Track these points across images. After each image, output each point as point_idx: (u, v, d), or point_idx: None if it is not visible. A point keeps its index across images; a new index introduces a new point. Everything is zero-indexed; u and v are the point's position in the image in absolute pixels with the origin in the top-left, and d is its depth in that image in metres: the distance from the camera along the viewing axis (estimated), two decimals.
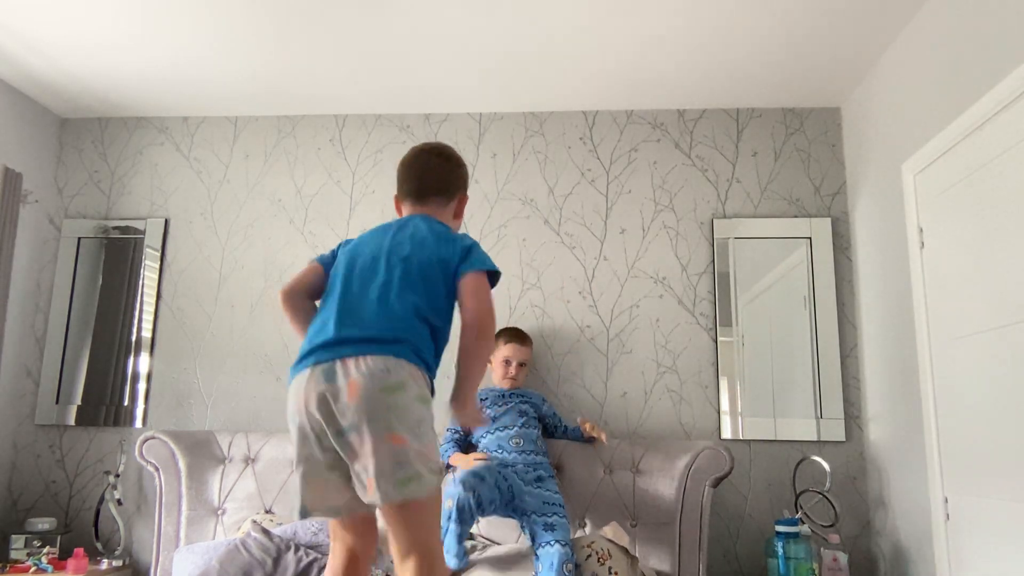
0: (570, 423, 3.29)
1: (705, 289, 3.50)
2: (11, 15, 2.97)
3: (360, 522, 1.82)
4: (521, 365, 3.15)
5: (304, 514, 1.73)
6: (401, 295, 1.77)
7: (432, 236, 1.87)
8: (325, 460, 1.70)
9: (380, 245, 1.88)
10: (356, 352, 1.67)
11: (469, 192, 3.63)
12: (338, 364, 1.66)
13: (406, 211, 2.02)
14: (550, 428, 3.16)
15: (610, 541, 2.69)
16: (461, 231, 2.19)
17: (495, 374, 3.17)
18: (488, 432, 2.98)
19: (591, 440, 3.13)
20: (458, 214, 2.06)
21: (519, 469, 2.81)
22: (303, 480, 1.72)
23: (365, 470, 1.62)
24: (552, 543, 2.53)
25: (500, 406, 3.05)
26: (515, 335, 3.16)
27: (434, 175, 1.99)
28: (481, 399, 3.07)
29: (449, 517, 2.44)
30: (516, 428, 2.96)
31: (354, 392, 1.62)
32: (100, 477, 3.50)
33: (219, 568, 2.72)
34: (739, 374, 3.40)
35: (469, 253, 1.86)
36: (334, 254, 1.99)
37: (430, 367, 1.79)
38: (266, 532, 2.84)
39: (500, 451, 2.91)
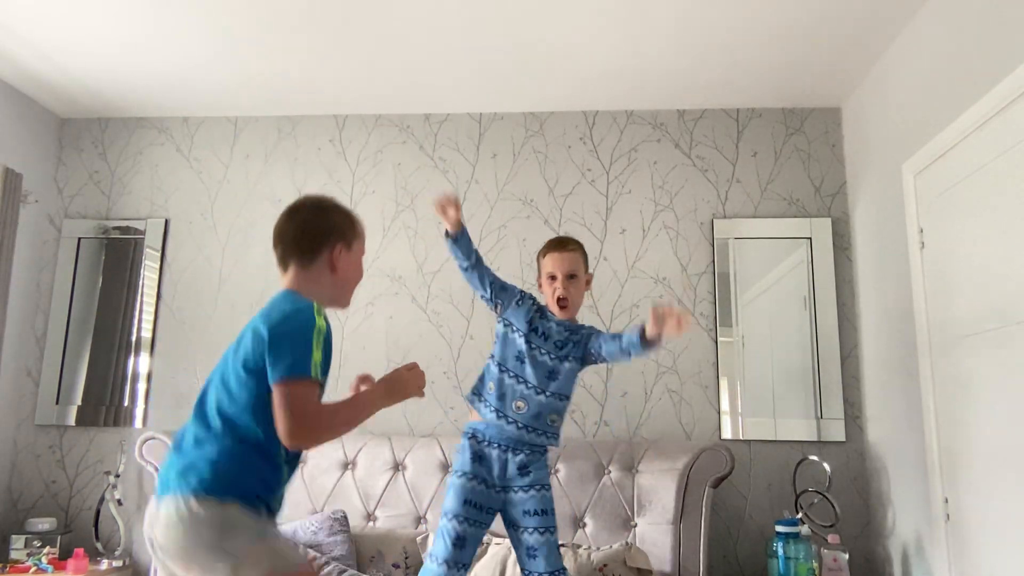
0: (629, 330, 2.29)
1: (705, 289, 3.50)
2: (11, 15, 2.97)
3: None
4: (571, 278, 2.40)
5: None
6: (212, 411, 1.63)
7: (250, 328, 1.69)
8: None
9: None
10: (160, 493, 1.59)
11: (469, 192, 3.65)
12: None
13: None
14: (601, 355, 2.37)
15: (627, 566, 2.66)
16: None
17: (545, 297, 2.48)
18: (508, 370, 2.34)
19: (652, 342, 2.21)
20: (335, 268, 1.78)
21: (497, 453, 2.30)
22: None
23: None
24: None
25: (534, 346, 2.35)
26: (555, 243, 2.48)
27: (284, 239, 1.78)
28: (531, 319, 2.38)
29: None
30: (530, 389, 2.31)
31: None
32: (100, 477, 3.50)
33: None
34: (739, 374, 3.39)
35: (277, 347, 1.59)
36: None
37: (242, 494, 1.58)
38: None
39: (486, 406, 2.33)
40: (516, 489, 2.28)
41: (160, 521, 1.55)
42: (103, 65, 3.35)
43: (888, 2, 2.78)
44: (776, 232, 3.50)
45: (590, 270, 2.53)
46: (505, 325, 2.41)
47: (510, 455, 2.30)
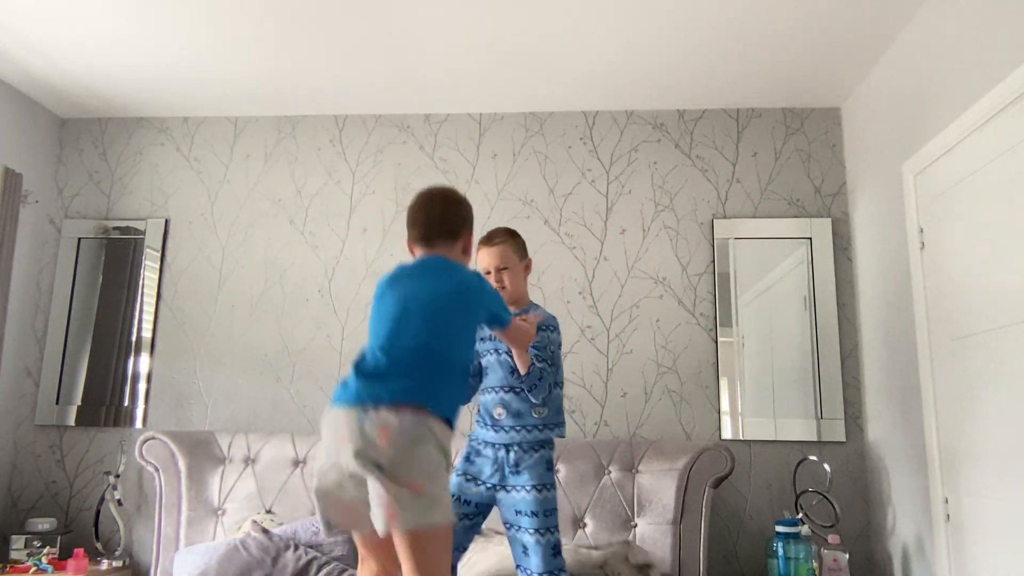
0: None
1: (705, 289, 3.50)
2: (11, 15, 2.97)
3: (383, 544, 1.93)
4: (503, 269, 2.42)
5: (328, 530, 1.89)
6: (416, 336, 1.91)
7: (442, 271, 2.02)
8: (351, 486, 1.84)
9: (403, 291, 1.99)
10: (388, 400, 1.82)
11: (469, 192, 3.65)
12: (371, 410, 1.81)
13: (418, 254, 2.11)
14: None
15: (629, 563, 2.66)
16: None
17: None
18: (483, 390, 2.43)
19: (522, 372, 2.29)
20: (466, 251, 2.13)
21: (492, 451, 2.33)
22: (324, 500, 1.87)
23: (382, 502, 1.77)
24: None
25: (489, 350, 2.40)
26: (483, 239, 2.49)
27: (438, 220, 2.07)
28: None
29: None
30: (498, 392, 2.35)
31: (385, 438, 1.79)
32: (100, 477, 3.50)
33: (218, 568, 2.72)
34: (739, 374, 3.39)
35: (490, 299, 2.03)
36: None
37: (448, 411, 1.91)
38: (265, 532, 2.84)
39: (480, 424, 2.39)
40: (509, 488, 2.28)
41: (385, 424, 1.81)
42: (103, 65, 3.35)
43: (888, 3, 2.78)
44: (776, 232, 3.50)
45: (529, 256, 2.55)
46: None
47: (503, 453, 2.32)
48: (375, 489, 1.77)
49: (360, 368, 1.89)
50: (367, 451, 1.77)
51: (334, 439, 1.83)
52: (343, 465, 1.81)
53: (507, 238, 2.46)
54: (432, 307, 1.93)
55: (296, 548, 2.79)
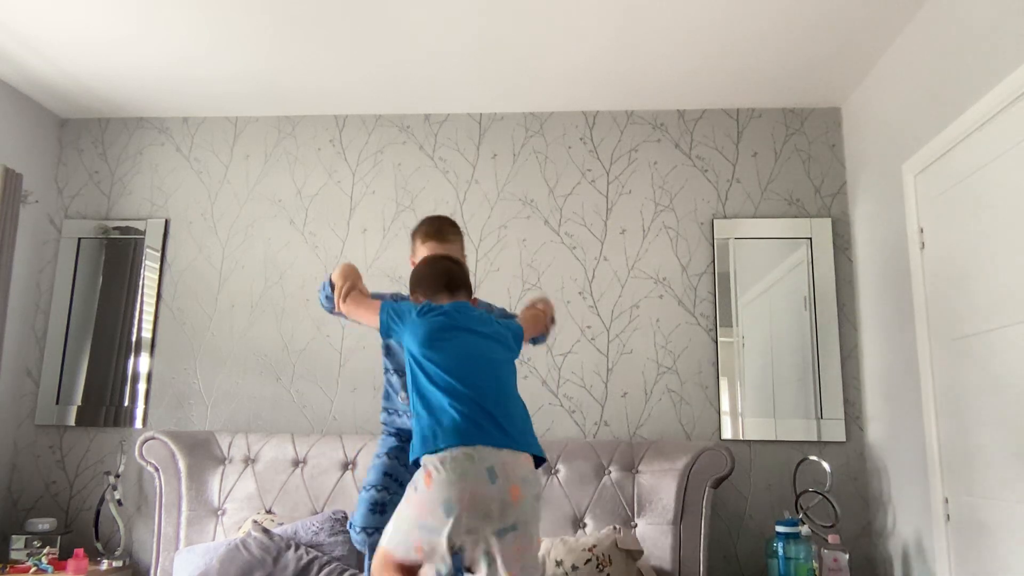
0: None
1: (705, 289, 3.50)
2: (11, 15, 2.97)
3: None
4: None
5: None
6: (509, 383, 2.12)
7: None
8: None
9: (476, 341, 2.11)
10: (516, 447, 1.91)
11: (469, 193, 3.65)
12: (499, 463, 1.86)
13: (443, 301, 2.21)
14: None
15: (618, 548, 2.68)
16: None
17: None
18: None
19: None
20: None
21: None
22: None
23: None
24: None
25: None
26: (435, 232, 2.44)
27: (462, 279, 2.27)
28: None
29: None
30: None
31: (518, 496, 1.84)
32: (100, 478, 3.50)
33: (219, 568, 2.72)
34: (739, 374, 3.39)
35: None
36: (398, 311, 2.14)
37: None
38: (266, 531, 2.84)
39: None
40: None
41: (528, 473, 1.88)
42: (103, 65, 3.35)
43: (888, 3, 2.78)
44: (776, 232, 3.50)
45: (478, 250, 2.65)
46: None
47: None
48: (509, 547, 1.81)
49: (478, 407, 1.91)
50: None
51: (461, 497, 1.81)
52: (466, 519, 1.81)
53: (459, 234, 2.45)
54: (504, 358, 2.10)
55: (297, 548, 2.79)
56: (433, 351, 1.98)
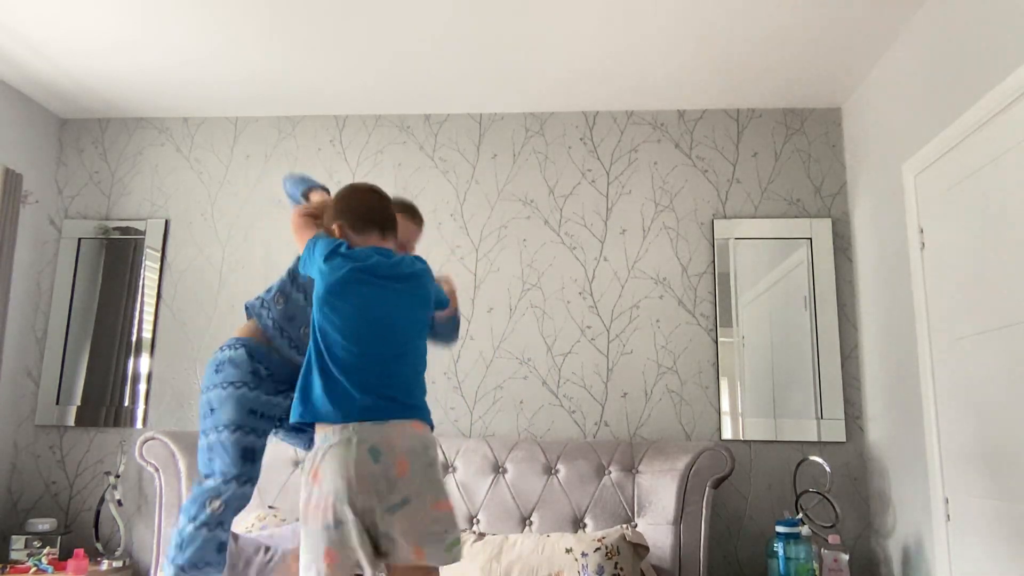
0: None
1: (705, 289, 3.50)
2: (12, 16, 2.97)
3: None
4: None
5: None
6: (404, 344, 1.98)
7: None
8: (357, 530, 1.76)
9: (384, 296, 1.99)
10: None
11: (469, 193, 3.65)
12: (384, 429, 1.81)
13: (368, 242, 2.05)
14: None
15: (626, 541, 2.72)
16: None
17: None
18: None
19: None
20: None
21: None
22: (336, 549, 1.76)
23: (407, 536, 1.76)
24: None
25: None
26: (404, 209, 2.39)
27: (392, 212, 2.10)
28: None
29: (214, 523, 2.02)
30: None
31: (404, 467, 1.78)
32: (100, 478, 3.50)
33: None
34: (739, 375, 3.39)
35: (438, 290, 2.16)
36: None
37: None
38: (235, 537, 2.78)
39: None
40: None
41: (416, 443, 1.81)
42: (103, 65, 3.35)
43: (888, 3, 2.78)
44: (776, 232, 3.50)
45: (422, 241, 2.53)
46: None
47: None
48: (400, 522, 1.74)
49: (353, 377, 1.82)
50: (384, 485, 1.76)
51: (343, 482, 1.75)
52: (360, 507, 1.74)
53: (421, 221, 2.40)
54: (412, 316, 1.95)
55: (267, 551, 2.76)
56: (331, 309, 1.87)
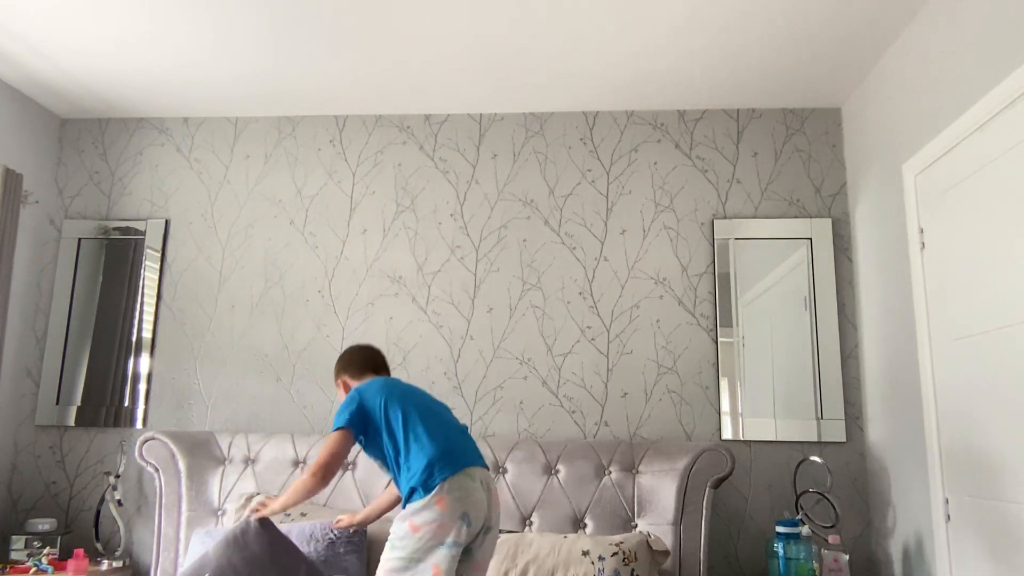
0: None
1: (705, 290, 3.50)
2: (12, 17, 2.97)
3: None
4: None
5: None
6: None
7: None
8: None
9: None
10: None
11: (469, 193, 3.66)
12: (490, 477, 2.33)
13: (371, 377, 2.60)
14: None
15: (649, 547, 2.72)
16: None
17: None
18: None
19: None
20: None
21: None
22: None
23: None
24: None
25: None
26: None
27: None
28: None
29: None
30: None
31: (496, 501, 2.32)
32: (100, 478, 3.50)
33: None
34: (740, 375, 3.39)
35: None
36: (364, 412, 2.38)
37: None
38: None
39: None
40: None
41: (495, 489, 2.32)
42: (103, 65, 3.35)
43: (888, 2, 2.78)
44: (776, 232, 3.50)
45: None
46: None
47: None
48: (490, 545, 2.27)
49: (455, 439, 2.31)
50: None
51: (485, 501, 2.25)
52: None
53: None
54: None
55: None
56: (407, 402, 2.34)
